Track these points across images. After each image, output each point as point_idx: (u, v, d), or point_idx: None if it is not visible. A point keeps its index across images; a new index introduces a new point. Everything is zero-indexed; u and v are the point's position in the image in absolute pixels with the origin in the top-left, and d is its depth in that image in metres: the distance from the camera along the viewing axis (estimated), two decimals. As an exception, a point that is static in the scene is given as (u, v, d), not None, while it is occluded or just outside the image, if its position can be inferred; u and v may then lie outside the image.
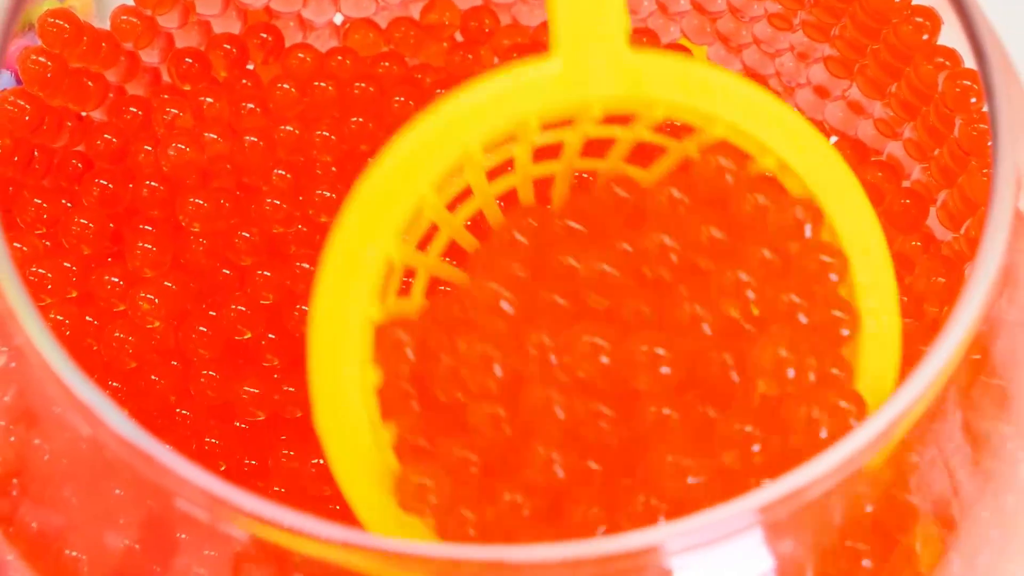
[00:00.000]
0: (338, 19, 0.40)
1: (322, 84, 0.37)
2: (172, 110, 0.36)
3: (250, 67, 0.38)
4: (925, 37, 0.34)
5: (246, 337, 0.35)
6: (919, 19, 0.34)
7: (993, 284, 0.30)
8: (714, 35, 0.39)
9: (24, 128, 0.34)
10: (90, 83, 0.35)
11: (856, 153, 0.37)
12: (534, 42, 0.39)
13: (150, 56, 0.37)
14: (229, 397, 0.35)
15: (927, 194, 0.36)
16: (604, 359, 0.27)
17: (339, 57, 0.38)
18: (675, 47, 0.39)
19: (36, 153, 0.35)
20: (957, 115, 0.34)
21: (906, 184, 0.37)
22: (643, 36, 0.39)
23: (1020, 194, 0.32)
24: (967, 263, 0.35)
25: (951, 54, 0.34)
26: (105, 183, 0.35)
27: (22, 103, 0.34)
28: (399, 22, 0.39)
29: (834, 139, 0.38)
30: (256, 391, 0.34)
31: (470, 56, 0.38)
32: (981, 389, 0.33)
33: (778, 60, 0.38)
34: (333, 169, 0.37)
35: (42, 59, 0.34)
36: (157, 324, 0.34)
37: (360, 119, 0.37)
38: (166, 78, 0.37)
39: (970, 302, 0.29)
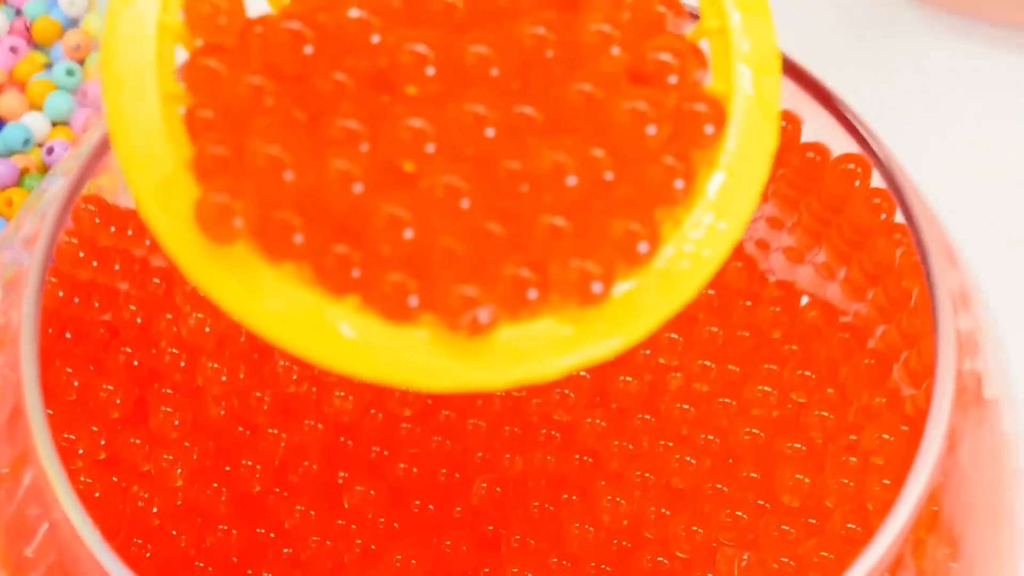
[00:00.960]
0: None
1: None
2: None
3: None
4: (883, 216, 0.37)
5: (255, 491, 0.38)
6: (877, 200, 0.37)
7: (942, 449, 0.33)
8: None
9: (56, 303, 0.37)
10: (117, 257, 0.38)
11: (825, 313, 0.40)
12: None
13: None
14: (244, 549, 0.37)
15: (890, 353, 0.39)
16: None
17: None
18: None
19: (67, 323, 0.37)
20: (914, 286, 0.37)
21: (871, 344, 0.39)
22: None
23: (965, 356, 0.36)
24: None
25: (906, 231, 0.37)
26: (130, 351, 0.38)
27: (54, 280, 0.37)
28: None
29: (805, 299, 0.41)
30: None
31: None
32: (935, 538, 0.35)
33: (753, 226, 0.41)
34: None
35: (74, 240, 0.37)
36: (180, 483, 0.37)
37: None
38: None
39: (922, 468, 0.32)
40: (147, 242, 0.39)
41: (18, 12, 0.44)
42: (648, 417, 0.39)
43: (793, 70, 0.36)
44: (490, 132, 0.25)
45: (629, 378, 0.39)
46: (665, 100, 0.26)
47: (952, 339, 0.31)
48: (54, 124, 0.42)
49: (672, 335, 0.40)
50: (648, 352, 0.39)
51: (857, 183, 0.36)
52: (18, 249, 0.37)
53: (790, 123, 0.38)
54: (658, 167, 0.26)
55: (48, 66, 0.43)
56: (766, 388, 0.39)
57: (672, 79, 0.26)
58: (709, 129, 0.26)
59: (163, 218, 0.25)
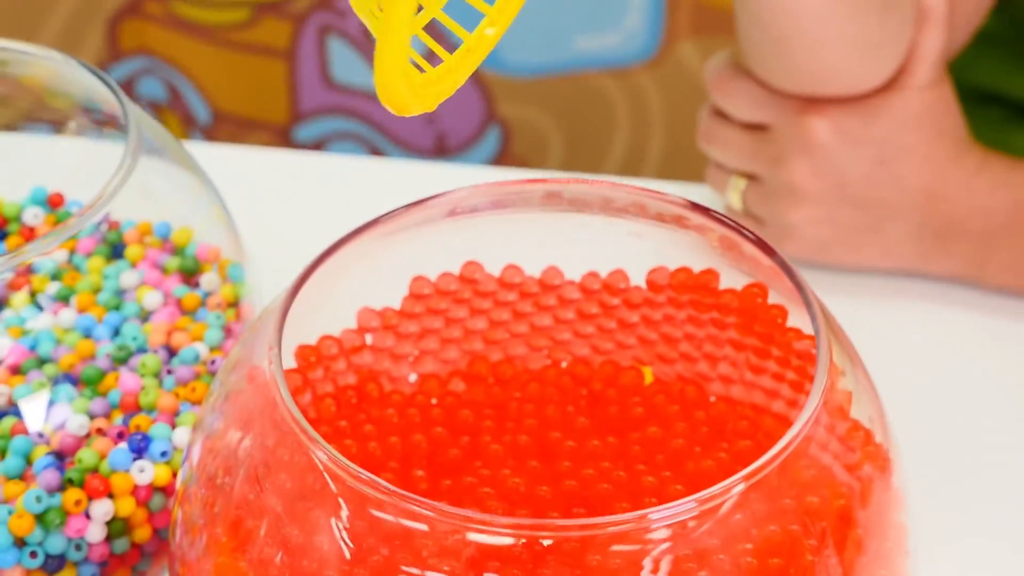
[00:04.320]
0: (412, 377, 0.61)
1: (411, 410, 0.59)
2: (323, 428, 0.57)
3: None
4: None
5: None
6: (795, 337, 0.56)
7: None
8: (654, 355, 0.61)
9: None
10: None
11: (756, 411, 0.59)
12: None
13: (303, 399, 0.58)
14: None
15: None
16: None
17: (418, 397, 0.60)
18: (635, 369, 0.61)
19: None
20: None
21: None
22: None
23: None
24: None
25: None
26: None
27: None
28: (450, 375, 0.61)
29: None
30: None
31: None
32: (852, 543, 0.53)
33: (704, 363, 0.61)
34: (422, 474, 0.57)
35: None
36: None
37: (440, 428, 0.58)
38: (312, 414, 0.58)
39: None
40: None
41: (167, 294, 0.64)
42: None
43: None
44: None
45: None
46: None
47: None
48: (211, 348, 0.61)
49: (653, 429, 0.58)
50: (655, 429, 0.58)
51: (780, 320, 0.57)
52: (217, 415, 0.55)
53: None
54: None
55: (196, 313, 0.63)
56: (722, 455, 0.57)
57: None
58: None
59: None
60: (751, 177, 0.77)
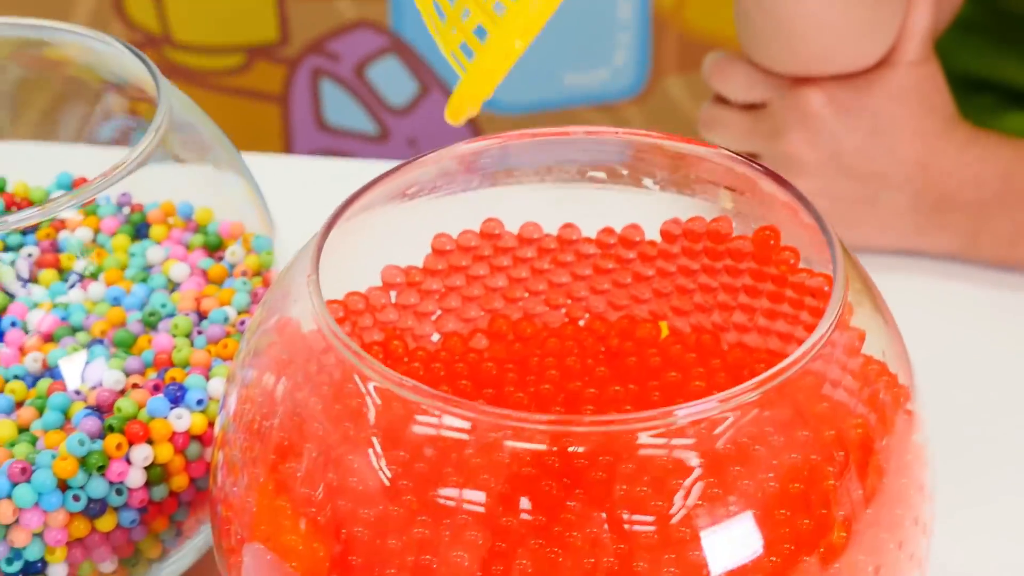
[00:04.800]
0: (435, 337, 0.63)
1: (436, 365, 0.60)
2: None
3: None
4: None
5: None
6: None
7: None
8: (669, 307, 0.63)
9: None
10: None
11: (771, 355, 0.60)
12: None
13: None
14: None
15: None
16: None
17: (442, 353, 0.61)
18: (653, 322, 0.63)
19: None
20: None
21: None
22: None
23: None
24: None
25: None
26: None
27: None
28: (472, 333, 0.63)
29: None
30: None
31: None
32: (874, 471, 0.54)
33: (719, 313, 0.62)
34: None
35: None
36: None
37: (465, 381, 0.60)
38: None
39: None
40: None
41: (192, 267, 0.66)
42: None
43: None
44: None
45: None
46: None
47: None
48: (239, 312, 0.63)
49: (673, 374, 0.60)
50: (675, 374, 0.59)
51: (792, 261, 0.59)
52: (248, 368, 0.56)
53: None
54: None
55: (223, 283, 0.64)
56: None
57: None
58: None
59: None
60: (751, 157, 0.79)
